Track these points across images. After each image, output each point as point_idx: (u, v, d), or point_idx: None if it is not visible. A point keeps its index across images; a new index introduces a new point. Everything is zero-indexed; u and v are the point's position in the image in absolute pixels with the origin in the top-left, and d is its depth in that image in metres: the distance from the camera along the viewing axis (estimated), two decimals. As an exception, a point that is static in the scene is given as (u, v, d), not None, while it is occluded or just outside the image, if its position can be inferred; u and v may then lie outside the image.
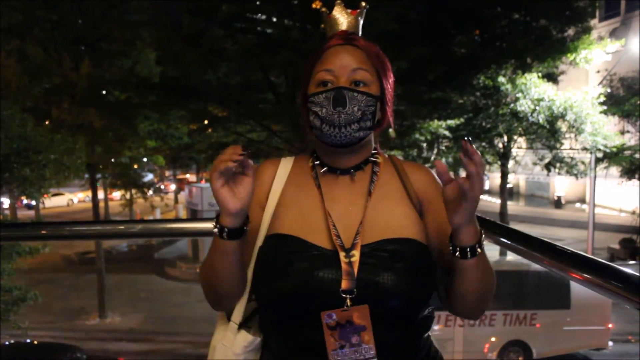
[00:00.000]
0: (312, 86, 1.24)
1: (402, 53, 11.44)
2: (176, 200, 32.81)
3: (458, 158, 14.26)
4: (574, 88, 13.45)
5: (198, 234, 1.93)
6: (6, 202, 17.34)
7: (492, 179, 32.23)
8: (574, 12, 13.30)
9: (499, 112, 13.00)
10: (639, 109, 15.29)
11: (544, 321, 10.35)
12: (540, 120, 12.81)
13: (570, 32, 13.52)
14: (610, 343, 10.53)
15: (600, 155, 14.13)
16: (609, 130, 13.62)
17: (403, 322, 1.17)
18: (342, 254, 1.14)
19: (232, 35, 13.00)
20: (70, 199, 34.44)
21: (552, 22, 13.43)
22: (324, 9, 1.32)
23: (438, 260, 1.23)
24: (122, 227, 2.07)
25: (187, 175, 40.47)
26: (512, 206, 24.78)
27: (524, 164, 17.41)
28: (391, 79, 1.29)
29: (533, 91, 12.55)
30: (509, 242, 1.61)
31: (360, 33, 1.31)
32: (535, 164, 15.12)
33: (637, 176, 15.72)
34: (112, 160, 16.71)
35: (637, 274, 1.09)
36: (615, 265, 1.16)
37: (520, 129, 13.51)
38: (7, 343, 10.38)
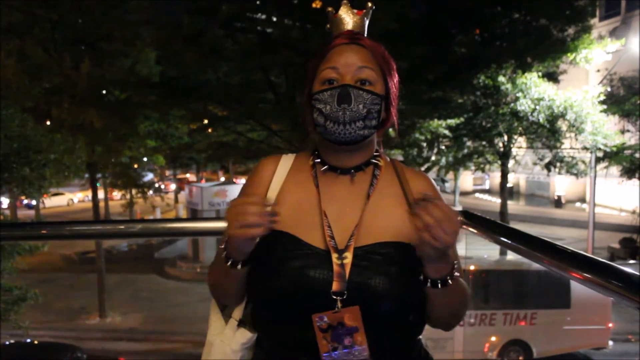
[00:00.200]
0: (316, 84, 1.24)
1: (403, 53, 11.43)
2: (176, 200, 32.82)
3: (458, 157, 14.31)
4: (574, 87, 13.45)
5: (198, 234, 1.93)
6: (5, 201, 17.32)
7: (493, 178, 32.27)
8: (574, 12, 13.30)
9: (499, 112, 13.00)
10: (639, 108, 15.29)
11: (544, 320, 10.35)
12: (541, 120, 12.81)
13: (571, 31, 13.52)
14: (611, 342, 10.53)
15: (600, 154, 14.13)
16: (609, 129, 13.62)
17: (394, 326, 1.17)
18: (334, 255, 1.14)
19: (232, 35, 13.01)
20: (70, 199, 34.45)
21: (552, 22, 13.44)
22: (330, 9, 1.32)
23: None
24: (122, 227, 2.07)
25: (187, 175, 40.50)
26: (513, 205, 24.78)
27: (524, 163, 17.43)
28: (396, 79, 1.29)
29: (533, 91, 12.55)
30: (509, 242, 1.61)
31: (365, 33, 1.31)
32: (535, 163, 15.12)
33: (637, 175, 15.72)
34: (112, 160, 16.70)
35: (637, 274, 1.09)
36: (616, 265, 1.16)
37: (520, 128, 13.51)
38: (7, 343, 10.38)
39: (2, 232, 2.12)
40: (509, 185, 17.90)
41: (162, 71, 15.38)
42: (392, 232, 1.20)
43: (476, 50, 13.51)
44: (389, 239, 1.19)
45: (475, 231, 1.83)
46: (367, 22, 1.32)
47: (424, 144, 14.12)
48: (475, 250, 12.07)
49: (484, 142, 14.13)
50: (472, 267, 10.61)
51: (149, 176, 26.92)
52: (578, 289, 9.80)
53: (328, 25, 1.33)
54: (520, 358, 10.44)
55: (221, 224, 1.73)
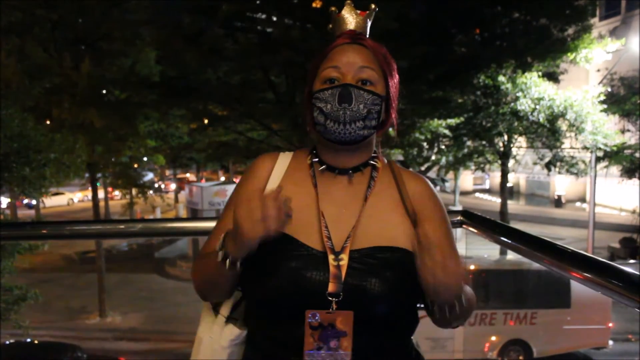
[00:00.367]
0: (317, 83, 1.24)
1: (403, 52, 11.43)
2: (176, 200, 32.82)
3: (458, 157, 14.31)
4: (574, 87, 13.44)
5: (198, 233, 1.93)
6: (5, 201, 17.32)
7: (493, 178, 32.27)
8: (574, 11, 13.29)
9: (499, 111, 13.00)
10: (639, 108, 15.29)
11: (544, 320, 10.35)
12: (541, 119, 12.81)
13: (571, 31, 13.52)
14: (611, 342, 10.52)
15: (600, 154, 14.13)
16: (609, 129, 13.61)
17: (387, 328, 1.17)
18: (331, 257, 1.14)
19: (232, 35, 13.02)
20: (70, 199, 34.45)
21: (553, 21, 13.44)
22: (333, 8, 1.31)
23: None
24: (122, 227, 2.08)
25: (187, 175, 40.50)
26: (513, 205, 24.78)
27: (524, 163, 17.44)
28: (396, 80, 1.29)
29: (533, 90, 12.55)
30: (510, 241, 1.61)
31: (367, 34, 1.31)
32: (535, 163, 15.12)
33: (637, 175, 15.72)
34: (113, 159, 16.71)
35: (637, 273, 1.09)
36: (616, 265, 1.16)
37: (520, 128, 13.50)
38: (7, 342, 10.38)
39: (2, 231, 2.12)
40: (509, 184, 17.91)
41: (162, 71, 15.39)
42: (388, 236, 1.20)
43: (476, 50, 13.51)
44: (385, 243, 1.19)
45: (475, 231, 1.84)
46: (369, 24, 1.32)
47: (424, 144, 14.12)
48: (476, 250, 12.08)
49: (484, 142, 14.12)
50: (472, 267, 10.60)
51: (149, 176, 26.93)
52: (578, 288, 9.79)
53: (330, 26, 1.32)
54: (521, 358, 10.44)
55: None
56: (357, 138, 1.21)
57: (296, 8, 12.41)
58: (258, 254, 1.14)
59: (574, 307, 10.24)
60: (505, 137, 14.26)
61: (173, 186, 36.71)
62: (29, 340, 10.64)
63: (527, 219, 24.10)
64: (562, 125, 13.24)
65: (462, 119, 13.20)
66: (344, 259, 1.14)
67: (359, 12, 1.31)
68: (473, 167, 15.80)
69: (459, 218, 1.92)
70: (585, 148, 13.70)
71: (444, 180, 18.68)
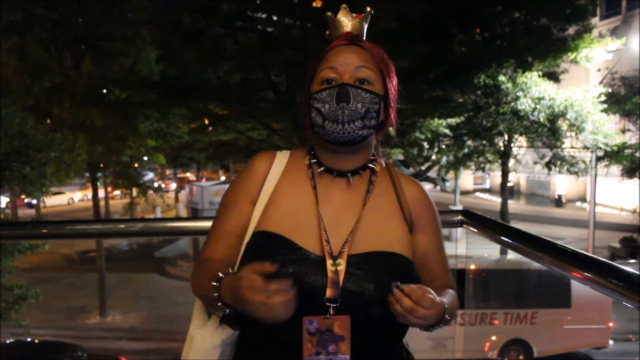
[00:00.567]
0: (315, 84, 1.23)
1: (403, 52, 11.42)
2: (177, 199, 32.83)
3: (458, 157, 14.30)
4: (575, 87, 13.43)
5: (198, 233, 1.93)
6: (4, 200, 17.33)
7: (493, 177, 32.26)
8: (574, 11, 13.28)
9: (499, 111, 12.99)
10: (639, 107, 15.29)
11: (544, 320, 10.35)
12: (541, 119, 12.80)
13: (571, 30, 13.50)
14: (611, 342, 10.52)
15: (600, 153, 14.13)
16: (609, 129, 13.60)
17: (382, 331, 1.18)
18: (329, 262, 1.14)
19: (233, 34, 13.01)
20: (70, 198, 34.46)
21: (553, 21, 13.43)
22: (329, 13, 1.31)
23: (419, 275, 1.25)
24: (122, 226, 2.08)
25: (188, 174, 40.52)
26: (513, 205, 24.77)
27: (525, 162, 17.41)
28: (395, 81, 1.28)
29: (534, 90, 12.54)
30: (510, 241, 1.61)
31: (364, 37, 1.30)
32: (535, 162, 15.10)
33: (637, 175, 15.72)
34: (113, 159, 16.71)
35: (638, 273, 1.09)
36: (616, 264, 1.16)
37: (520, 127, 13.49)
38: (7, 342, 10.38)
39: (2, 231, 2.12)
40: (509, 184, 17.91)
41: (163, 70, 15.39)
42: (386, 242, 1.21)
43: (476, 50, 13.50)
44: (383, 248, 1.19)
45: (475, 230, 1.84)
46: (366, 26, 1.31)
47: (425, 143, 14.10)
48: (476, 250, 12.07)
49: (484, 142, 14.11)
50: (472, 267, 10.60)
51: (150, 175, 26.95)
52: (578, 288, 9.79)
53: (327, 32, 1.32)
54: (521, 357, 10.45)
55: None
56: (356, 138, 1.20)
57: (296, 7, 12.41)
58: (255, 257, 1.15)
59: (575, 306, 10.24)
60: (506, 137, 14.26)
61: (173, 186, 36.72)
62: (29, 339, 10.65)
63: (528, 219, 24.10)
64: (563, 124, 13.23)
65: (462, 118, 13.19)
66: (342, 263, 1.14)
67: (354, 15, 1.30)
68: (473, 167, 15.79)
69: (459, 218, 1.92)
70: (585, 148, 13.69)
71: (444, 180, 18.67)
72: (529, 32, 13.50)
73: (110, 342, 12.97)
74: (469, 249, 10.54)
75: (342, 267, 1.14)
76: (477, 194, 34.62)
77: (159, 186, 24.39)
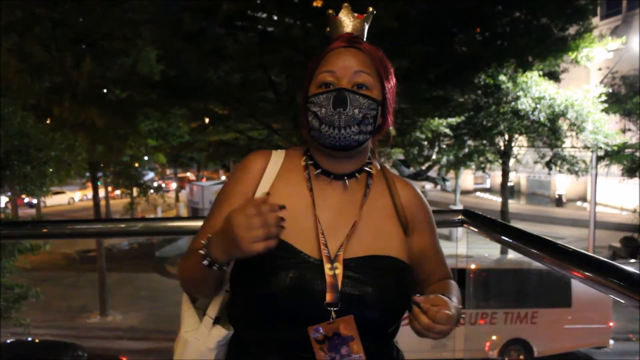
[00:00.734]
0: (313, 87, 1.22)
1: (403, 51, 11.43)
2: (177, 199, 32.83)
3: (459, 156, 14.30)
4: (575, 86, 13.43)
5: (199, 233, 1.93)
6: (3, 200, 17.32)
7: (493, 177, 32.24)
8: (575, 11, 13.27)
9: (499, 111, 12.99)
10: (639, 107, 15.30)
11: (545, 319, 10.35)
12: (541, 119, 12.80)
13: (572, 30, 13.50)
14: (611, 341, 10.52)
15: (601, 153, 14.13)
16: (610, 128, 13.60)
17: (379, 333, 1.19)
18: (327, 266, 1.14)
19: (233, 34, 13.01)
20: (71, 197, 34.46)
21: (553, 21, 13.41)
22: (330, 11, 1.30)
23: (414, 276, 1.27)
24: (123, 226, 2.08)
25: (188, 174, 40.52)
26: (513, 204, 24.76)
27: (525, 162, 17.39)
28: (393, 83, 1.27)
29: (534, 89, 12.54)
30: (511, 241, 1.61)
31: (365, 38, 1.29)
32: (536, 162, 15.10)
33: (638, 174, 15.71)
34: (113, 158, 16.71)
35: (638, 272, 1.09)
36: (617, 264, 1.16)
37: (521, 127, 13.49)
38: (8, 341, 10.39)
39: (3, 230, 2.12)
40: (509, 184, 17.90)
41: (163, 70, 15.38)
42: (382, 245, 1.21)
43: (477, 49, 13.49)
44: (379, 252, 1.20)
45: (476, 230, 1.84)
46: (367, 27, 1.30)
47: (425, 143, 14.11)
48: (476, 249, 12.09)
49: (484, 141, 14.11)
50: (472, 266, 10.61)
51: (150, 175, 26.95)
52: (579, 287, 9.79)
53: (328, 29, 1.31)
54: (521, 357, 10.45)
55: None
56: (352, 143, 1.19)
57: (297, 7, 12.41)
58: (253, 259, 1.15)
59: (575, 306, 10.24)
60: (506, 137, 14.27)
61: (174, 185, 36.73)
62: (29, 339, 10.66)
63: (528, 218, 24.10)
64: (563, 124, 13.23)
65: (462, 118, 13.19)
66: (339, 267, 1.14)
67: (356, 15, 1.29)
68: (474, 167, 15.80)
69: (459, 217, 1.92)
70: (586, 147, 13.69)
71: (444, 180, 18.68)
72: (529, 32, 13.49)
73: (111, 342, 12.98)
74: (469, 248, 10.56)
75: (339, 271, 1.14)
76: (478, 193, 34.61)
77: (159, 186, 24.38)
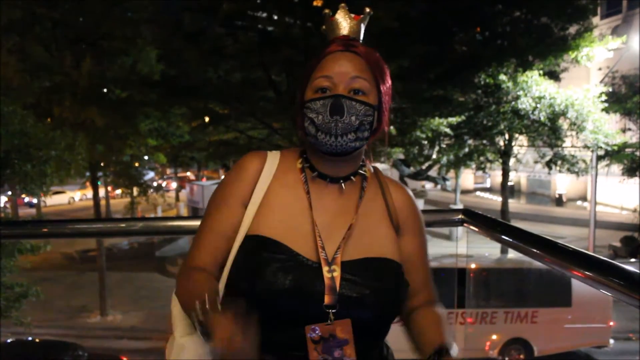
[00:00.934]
0: (309, 92, 1.22)
1: (403, 51, 11.42)
2: (177, 199, 32.83)
3: (459, 156, 14.30)
4: (575, 86, 13.43)
5: (199, 232, 1.93)
6: (3, 199, 17.33)
7: (494, 176, 32.24)
8: (575, 10, 13.27)
9: (500, 110, 12.99)
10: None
11: (545, 319, 10.35)
12: (542, 118, 12.80)
13: (572, 29, 13.50)
14: (612, 341, 10.52)
15: (601, 153, 14.12)
16: (610, 128, 13.60)
17: (374, 333, 1.20)
18: (325, 268, 1.14)
19: (233, 33, 13.01)
20: (71, 197, 34.46)
21: (554, 20, 13.41)
22: (327, 11, 1.29)
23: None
24: (123, 225, 2.08)
25: (188, 173, 40.52)
26: (514, 204, 24.76)
27: (525, 161, 17.38)
28: (389, 85, 1.27)
29: (534, 89, 12.53)
30: (511, 240, 1.61)
31: (361, 39, 1.28)
32: (536, 161, 15.11)
33: (638, 174, 15.71)
34: (114, 158, 16.72)
35: (639, 272, 1.09)
36: (617, 263, 1.16)
37: (521, 126, 13.49)
38: (8, 341, 10.40)
39: (3, 230, 2.12)
40: (510, 183, 17.91)
41: (163, 69, 15.39)
42: (377, 248, 1.22)
43: (477, 49, 13.49)
44: (375, 254, 1.21)
45: (476, 229, 1.84)
46: (363, 28, 1.29)
47: (425, 142, 14.11)
48: (477, 249, 12.09)
49: (484, 141, 14.12)
50: (473, 266, 10.61)
51: (150, 175, 26.95)
52: (579, 287, 9.79)
53: (324, 27, 1.30)
54: (522, 356, 10.45)
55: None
56: (349, 150, 1.20)
57: (297, 6, 12.41)
58: (252, 262, 1.16)
59: (575, 305, 10.24)
60: (506, 136, 14.26)
61: (174, 185, 36.73)
62: (30, 338, 10.67)
63: (528, 218, 24.10)
64: (563, 124, 13.23)
65: (463, 117, 13.19)
66: (337, 270, 1.15)
67: (353, 16, 1.28)
68: (474, 166, 15.80)
69: (460, 217, 1.92)
70: (586, 147, 13.69)
71: (444, 179, 18.67)
72: (529, 31, 13.49)
73: (111, 341, 12.98)
74: (469, 248, 10.56)
75: (337, 274, 1.15)
76: (478, 193, 34.61)
77: (159, 185, 24.41)
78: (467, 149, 14.27)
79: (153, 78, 14.73)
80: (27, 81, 12.02)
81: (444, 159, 14.78)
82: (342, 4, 1.29)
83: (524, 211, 26.14)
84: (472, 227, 1.86)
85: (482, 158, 14.77)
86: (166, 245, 21.82)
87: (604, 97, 13.14)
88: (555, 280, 10.04)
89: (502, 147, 14.59)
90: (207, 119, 15.07)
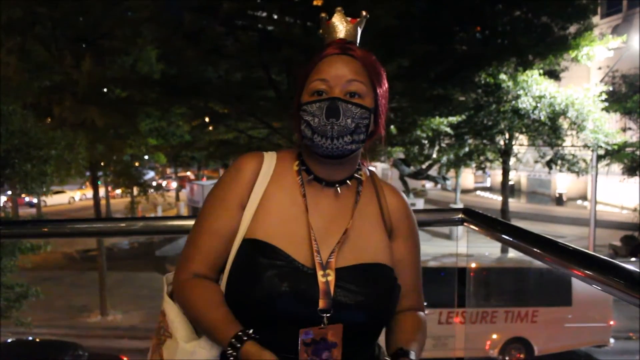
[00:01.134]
0: (305, 95, 1.22)
1: (404, 50, 11.43)
2: (177, 198, 32.84)
3: (459, 155, 14.29)
4: (576, 85, 13.43)
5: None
6: (2, 199, 17.34)
7: (494, 176, 32.25)
8: (575, 9, 13.27)
9: (500, 110, 12.99)
10: None
11: (545, 318, 10.35)
12: (542, 118, 12.80)
13: (572, 29, 13.50)
14: (612, 340, 10.52)
15: (601, 152, 14.12)
16: (610, 127, 13.61)
17: (367, 335, 1.22)
18: (319, 273, 1.15)
19: (233, 33, 13.01)
20: (71, 197, 34.46)
21: (554, 19, 13.41)
22: (323, 14, 1.30)
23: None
24: (123, 225, 2.08)
25: (188, 173, 40.53)
26: (514, 203, 24.76)
27: (526, 161, 17.40)
28: (385, 88, 1.27)
29: (534, 88, 12.54)
30: (511, 239, 1.61)
31: (358, 42, 1.28)
32: (536, 161, 15.11)
33: (638, 173, 15.71)
34: (114, 158, 16.73)
35: (639, 271, 1.09)
36: (617, 262, 1.17)
37: (521, 126, 13.50)
38: (9, 340, 10.40)
39: (4, 229, 2.12)
40: (510, 183, 17.91)
41: (163, 69, 15.39)
42: (371, 253, 1.23)
43: (477, 48, 13.50)
44: (369, 259, 1.21)
45: (476, 228, 1.84)
46: (360, 31, 1.29)
47: (426, 142, 14.11)
48: (477, 248, 12.08)
49: (485, 140, 14.12)
50: (473, 265, 10.61)
51: (150, 174, 26.97)
52: (579, 286, 9.80)
53: (321, 31, 1.31)
54: (522, 356, 10.45)
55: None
56: (345, 152, 1.20)
57: (297, 6, 12.41)
58: (248, 267, 1.16)
59: (575, 305, 10.24)
60: (507, 135, 14.26)
61: (174, 184, 36.73)
62: (30, 338, 10.67)
63: (529, 217, 24.10)
64: (563, 123, 13.23)
65: (463, 117, 13.20)
66: (331, 274, 1.16)
67: (349, 19, 1.28)
68: (474, 166, 15.81)
69: (460, 216, 1.92)
70: (586, 146, 13.69)
71: (445, 179, 18.69)
72: (529, 31, 13.48)
73: (111, 341, 12.98)
74: (469, 247, 10.54)
75: (331, 278, 1.15)
76: (478, 192, 34.61)
77: (159, 185, 24.40)
78: (467, 149, 14.27)
79: (153, 77, 14.73)
80: (27, 81, 12.01)
81: (444, 159, 14.79)
82: (339, 8, 1.29)
83: (524, 210, 26.14)
84: (472, 227, 1.87)
85: (482, 157, 14.78)
86: (166, 244, 21.82)
87: (604, 97, 13.15)
88: (555, 280, 10.05)
89: (503, 147, 14.59)
90: (207, 119, 15.08)
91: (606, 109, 13.40)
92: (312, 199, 1.24)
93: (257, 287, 1.13)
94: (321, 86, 1.20)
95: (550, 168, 14.63)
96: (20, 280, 10.49)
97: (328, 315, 1.12)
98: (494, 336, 10.42)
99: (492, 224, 1.75)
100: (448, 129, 13.03)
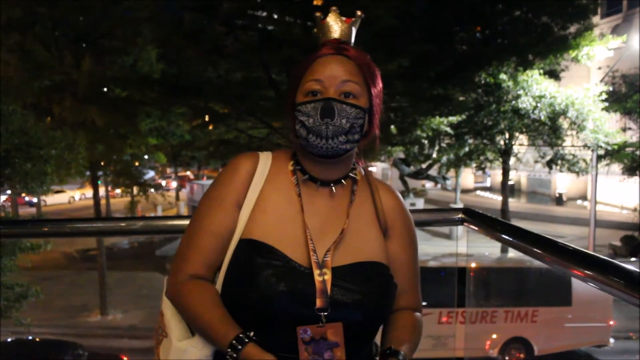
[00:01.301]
0: (300, 95, 1.23)
1: (404, 50, 11.41)
2: (177, 198, 32.84)
3: (459, 155, 14.29)
4: (576, 85, 13.44)
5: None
6: (2, 198, 17.33)
7: (494, 176, 32.24)
8: (575, 9, 13.27)
9: (500, 109, 12.99)
10: (640, 105, 15.30)
11: (545, 318, 10.35)
12: (542, 118, 12.80)
13: (572, 29, 13.50)
14: (612, 340, 10.52)
15: (601, 152, 14.12)
16: (610, 127, 13.61)
17: (365, 334, 1.22)
18: (316, 272, 1.15)
19: (233, 32, 13.00)
20: (71, 196, 34.44)
21: (554, 19, 13.41)
22: (318, 14, 1.30)
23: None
24: (123, 224, 2.08)
25: (188, 173, 40.53)
26: (514, 203, 24.76)
27: (526, 161, 17.40)
28: (380, 88, 1.28)
29: (534, 88, 12.54)
30: (511, 239, 1.61)
31: (352, 42, 1.29)
32: (536, 161, 15.11)
33: (638, 173, 15.71)
34: (114, 157, 16.72)
35: (639, 271, 1.09)
36: (617, 262, 1.17)
37: (521, 126, 13.50)
38: (8, 340, 10.39)
39: (3, 229, 2.12)
40: (510, 182, 17.92)
41: (163, 69, 15.38)
42: (367, 251, 1.23)
43: (477, 48, 13.50)
44: (365, 258, 1.22)
45: (476, 229, 1.84)
46: (354, 31, 1.30)
47: (426, 142, 14.11)
48: (477, 248, 12.08)
49: (485, 140, 14.12)
50: (473, 265, 10.61)
51: (150, 174, 26.94)
52: (579, 286, 9.80)
53: (315, 30, 1.31)
54: (522, 356, 10.45)
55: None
56: (340, 152, 1.21)
57: (297, 6, 12.40)
58: (245, 267, 1.16)
59: (575, 304, 10.24)
60: (507, 135, 14.26)
61: (174, 184, 36.72)
62: (30, 338, 10.66)
63: (529, 217, 24.10)
64: (564, 123, 13.23)
65: (463, 117, 13.19)
66: (327, 273, 1.16)
67: (344, 19, 1.29)
68: (474, 166, 15.81)
69: (460, 216, 1.92)
70: (586, 146, 13.69)
71: (445, 178, 18.68)
72: (530, 30, 13.49)
73: (111, 341, 12.98)
74: (469, 247, 10.55)
75: (328, 277, 1.15)
76: (478, 192, 34.61)
77: (159, 184, 24.39)
78: (467, 148, 14.27)
79: (153, 77, 14.72)
80: (27, 80, 12.01)
81: (444, 158, 14.78)
82: (334, 7, 1.29)
83: (524, 210, 26.13)
84: (472, 226, 1.87)
85: (482, 157, 14.77)
86: (166, 244, 21.82)
87: (604, 96, 13.14)
88: (555, 280, 10.05)
89: (503, 147, 14.59)
90: (207, 118, 15.06)
91: (606, 109, 13.40)
92: (308, 198, 1.25)
93: (254, 287, 1.13)
94: (316, 86, 1.21)
95: (550, 168, 14.63)
96: (20, 279, 10.48)
97: (325, 314, 1.13)
98: (494, 336, 10.42)
99: (492, 223, 1.75)
100: (448, 129, 13.04)
